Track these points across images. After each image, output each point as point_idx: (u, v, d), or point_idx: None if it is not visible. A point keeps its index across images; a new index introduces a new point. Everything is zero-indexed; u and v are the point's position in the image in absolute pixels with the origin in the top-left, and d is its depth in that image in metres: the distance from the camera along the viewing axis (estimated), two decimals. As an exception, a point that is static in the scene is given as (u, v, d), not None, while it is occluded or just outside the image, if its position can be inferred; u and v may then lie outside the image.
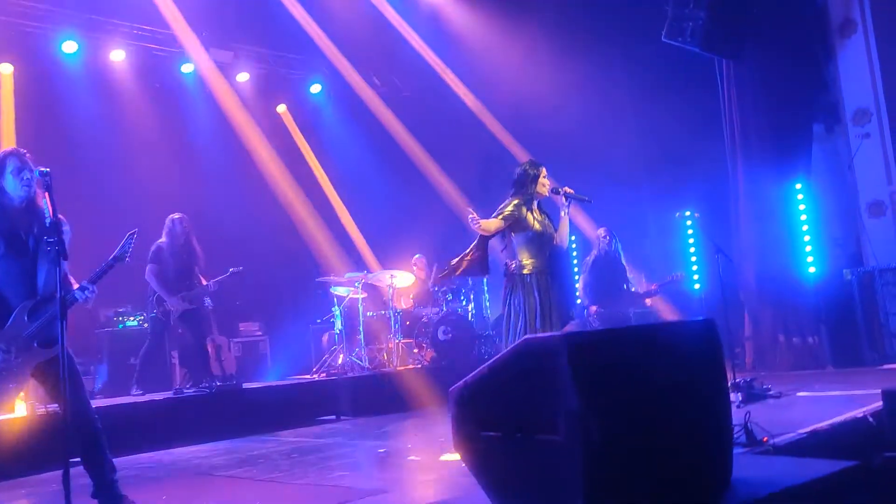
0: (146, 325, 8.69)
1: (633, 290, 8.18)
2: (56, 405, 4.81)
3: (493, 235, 5.59)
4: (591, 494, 2.45)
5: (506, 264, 5.59)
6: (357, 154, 11.64)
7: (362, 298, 9.57)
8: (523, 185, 5.61)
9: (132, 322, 9.17)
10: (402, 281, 9.95)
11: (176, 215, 8.11)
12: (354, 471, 5.23)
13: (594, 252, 8.63)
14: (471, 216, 5.41)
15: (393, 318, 9.58)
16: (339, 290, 9.73)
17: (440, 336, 9.54)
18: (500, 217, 5.55)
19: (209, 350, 8.34)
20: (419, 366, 9.37)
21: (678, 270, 8.29)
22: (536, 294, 5.39)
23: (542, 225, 5.56)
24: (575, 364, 2.46)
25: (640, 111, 10.83)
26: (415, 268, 10.51)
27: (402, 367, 9.21)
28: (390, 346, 9.48)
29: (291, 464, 5.58)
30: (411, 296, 10.30)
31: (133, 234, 4.42)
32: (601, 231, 8.33)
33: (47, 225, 3.78)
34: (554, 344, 2.55)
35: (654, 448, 2.63)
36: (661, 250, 8.26)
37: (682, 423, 2.73)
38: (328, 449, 6.26)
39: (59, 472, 3.49)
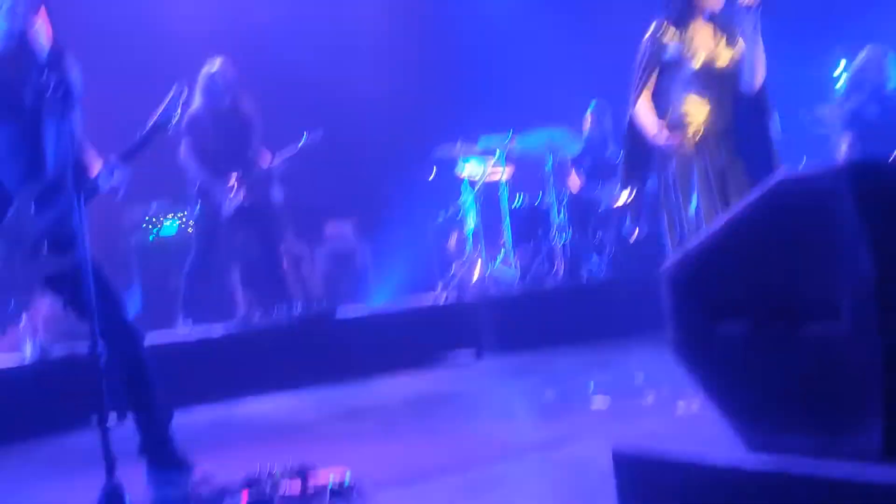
0: (190, 229, 9.03)
1: None
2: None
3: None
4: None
5: (661, 121, 5.47)
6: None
7: (507, 178, 9.58)
8: None
9: (170, 226, 9.49)
10: (570, 146, 9.89)
11: (214, 66, 8.16)
12: (512, 421, 5.37)
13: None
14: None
15: (556, 206, 9.59)
16: (470, 168, 9.76)
17: (630, 232, 9.49)
18: (638, 86, 5.49)
19: (284, 263, 8.56)
20: (596, 276, 9.42)
21: None
22: (708, 167, 5.29)
23: (711, 57, 5.32)
24: (868, 205, 2.39)
25: None
26: (588, 123, 10.40)
27: (571, 280, 9.27)
28: (552, 247, 9.53)
29: (415, 416, 5.79)
30: (583, 169, 10.22)
31: (180, 90, 4.38)
32: None
33: (45, 58, 3.85)
34: (831, 179, 2.47)
35: None
36: None
37: None
38: (468, 397, 6.45)
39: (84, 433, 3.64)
